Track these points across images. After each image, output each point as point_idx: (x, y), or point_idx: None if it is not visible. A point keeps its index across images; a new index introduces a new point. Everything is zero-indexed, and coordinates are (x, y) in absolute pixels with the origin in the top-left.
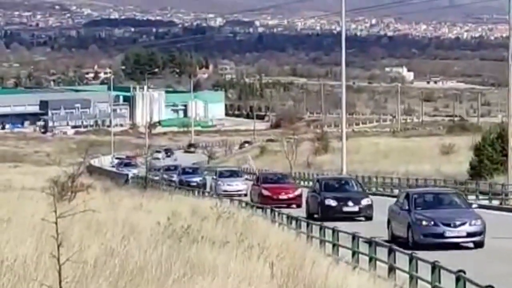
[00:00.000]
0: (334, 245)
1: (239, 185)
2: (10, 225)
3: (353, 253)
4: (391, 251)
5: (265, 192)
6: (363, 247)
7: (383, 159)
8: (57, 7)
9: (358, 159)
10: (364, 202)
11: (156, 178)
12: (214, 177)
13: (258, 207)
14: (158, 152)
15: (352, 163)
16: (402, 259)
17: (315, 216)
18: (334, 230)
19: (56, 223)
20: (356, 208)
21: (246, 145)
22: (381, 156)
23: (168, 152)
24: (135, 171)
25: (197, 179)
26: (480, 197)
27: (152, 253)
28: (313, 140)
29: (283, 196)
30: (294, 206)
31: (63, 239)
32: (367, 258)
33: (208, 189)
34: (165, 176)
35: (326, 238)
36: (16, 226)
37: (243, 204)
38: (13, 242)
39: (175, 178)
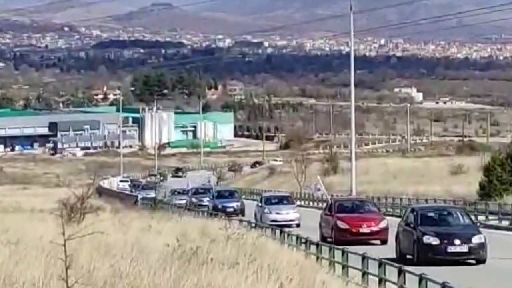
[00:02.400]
0: (343, 266)
1: (290, 213)
2: (19, 247)
3: (363, 274)
4: (401, 272)
5: (342, 225)
6: (373, 268)
7: (393, 180)
8: (66, 28)
9: (367, 179)
10: (476, 240)
11: (181, 202)
12: (260, 204)
13: (327, 246)
14: (153, 175)
15: (362, 183)
16: (412, 280)
17: (408, 256)
18: (343, 251)
19: (64, 245)
20: (465, 248)
21: (235, 168)
22: (391, 176)
23: (162, 176)
24: (153, 194)
25: (234, 204)
26: (489, 217)
27: (161, 275)
28: (322, 161)
29: (364, 229)
30: (377, 241)
31: (72, 261)
32: (377, 279)
33: (242, 215)
34: (193, 200)
35: (336, 259)
36: (25, 248)
37: (303, 243)
38: (22, 264)
39: (206, 202)
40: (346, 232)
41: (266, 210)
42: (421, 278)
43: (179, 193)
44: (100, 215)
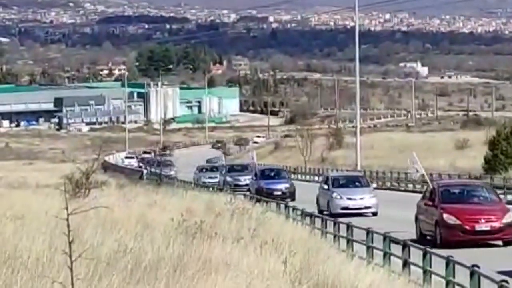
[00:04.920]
0: (348, 241)
1: (365, 198)
2: (24, 222)
3: (368, 248)
4: (405, 246)
5: (450, 219)
6: (378, 242)
7: (398, 154)
8: (71, 4)
9: (372, 154)
10: None
11: (211, 181)
12: (325, 186)
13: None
14: (147, 153)
15: (367, 158)
16: (416, 255)
17: None
18: (348, 226)
19: (67, 219)
20: None
21: (219, 145)
22: (396, 151)
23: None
24: (172, 172)
25: (282, 186)
26: None
27: (165, 249)
28: (328, 136)
29: (482, 226)
30: (499, 242)
31: (77, 236)
32: (381, 253)
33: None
34: (228, 179)
35: (341, 234)
36: (30, 223)
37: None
38: (26, 239)
39: (243, 182)
40: (456, 230)
41: (334, 195)
42: (425, 253)
43: (207, 170)
44: (105, 190)
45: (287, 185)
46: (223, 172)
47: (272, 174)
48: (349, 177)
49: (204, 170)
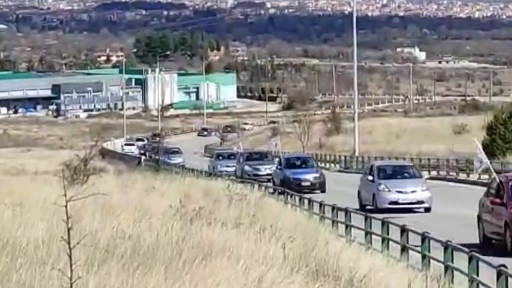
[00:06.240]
0: (347, 226)
1: (417, 191)
2: (23, 209)
3: (366, 234)
4: (403, 231)
5: None
6: (376, 228)
7: (396, 140)
8: None
9: (371, 139)
10: None
11: (228, 169)
12: (370, 177)
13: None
14: (141, 140)
15: (365, 143)
16: (414, 239)
17: None
18: (347, 211)
19: (66, 206)
20: None
21: (205, 132)
22: (394, 136)
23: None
24: (179, 159)
25: (311, 176)
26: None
27: (164, 235)
28: (325, 121)
29: None
30: None
31: (75, 223)
32: (380, 238)
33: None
34: (246, 168)
35: (339, 219)
36: (29, 210)
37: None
38: (25, 226)
39: (263, 171)
40: None
41: (381, 187)
42: (423, 237)
43: (224, 157)
44: (104, 176)
45: (316, 175)
46: (241, 160)
47: (299, 162)
48: (397, 166)
49: (221, 157)
